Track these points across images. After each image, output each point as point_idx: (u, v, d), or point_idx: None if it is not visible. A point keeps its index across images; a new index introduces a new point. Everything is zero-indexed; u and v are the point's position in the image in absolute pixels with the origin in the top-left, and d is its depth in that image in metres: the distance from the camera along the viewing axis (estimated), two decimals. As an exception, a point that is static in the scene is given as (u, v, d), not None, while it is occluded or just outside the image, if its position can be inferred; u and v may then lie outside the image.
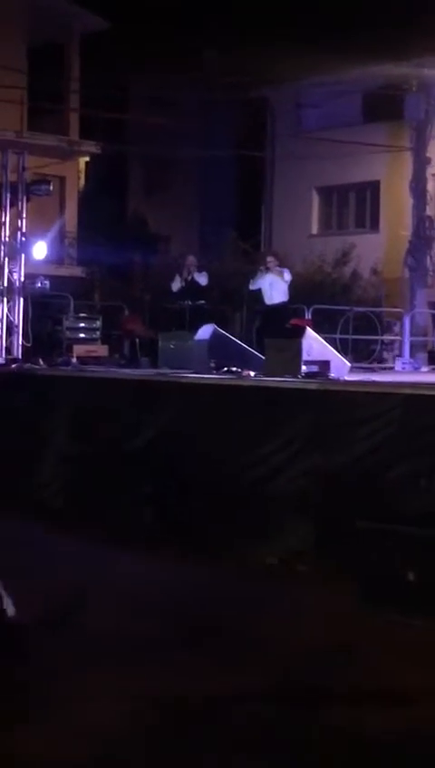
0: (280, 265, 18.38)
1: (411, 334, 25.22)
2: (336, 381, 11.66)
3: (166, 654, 6.83)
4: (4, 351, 17.14)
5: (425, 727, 5.69)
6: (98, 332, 19.59)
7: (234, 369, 13.53)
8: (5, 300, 17.42)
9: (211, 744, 5.35)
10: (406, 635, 7.30)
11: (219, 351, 14.68)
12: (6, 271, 17.44)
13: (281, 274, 17.87)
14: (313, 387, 10.36)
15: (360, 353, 23.65)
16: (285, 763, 5.18)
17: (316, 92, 32.76)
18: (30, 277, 17.90)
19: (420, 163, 29.93)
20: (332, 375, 12.62)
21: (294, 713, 5.83)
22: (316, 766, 5.17)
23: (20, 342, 17.44)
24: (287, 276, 17.97)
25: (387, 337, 26.81)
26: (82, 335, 19.34)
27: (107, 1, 30.81)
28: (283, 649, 7.00)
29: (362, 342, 25.02)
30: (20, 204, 17.47)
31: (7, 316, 17.38)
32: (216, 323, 16.31)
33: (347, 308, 24.60)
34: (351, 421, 9.23)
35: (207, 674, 6.43)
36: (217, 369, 13.93)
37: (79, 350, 18.34)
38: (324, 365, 12.93)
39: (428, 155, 29.87)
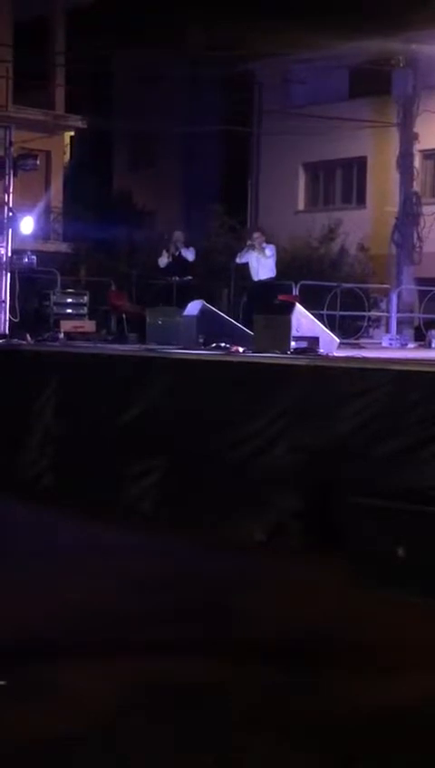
0: (266, 241, 18.38)
1: (398, 310, 25.27)
2: (326, 357, 11.66)
3: (158, 631, 6.83)
4: (-9, 327, 17.13)
5: (417, 700, 5.71)
6: (85, 308, 19.53)
7: (222, 344, 13.52)
8: (-8, 275, 17.39)
9: (209, 721, 5.35)
10: (395, 610, 7.31)
11: (208, 327, 14.67)
12: (-7, 246, 17.40)
13: (263, 251, 17.86)
14: (302, 363, 10.35)
15: (346, 329, 23.67)
16: (283, 739, 5.18)
17: (303, 68, 32.71)
18: (17, 252, 17.84)
19: (407, 139, 29.92)
20: (321, 351, 12.62)
21: (287, 688, 5.84)
22: (314, 741, 5.17)
23: (7, 318, 17.41)
24: (269, 252, 17.97)
25: (374, 313, 26.85)
26: (69, 311, 19.28)
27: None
28: (272, 626, 7.01)
29: (349, 318, 25.04)
30: (7, 178, 17.41)
31: (-6, 291, 17.35)
32: (203, 299, 16.29)
33: (334, 284, 24.58)
34: (341, 397, 9.23)
35: (200, 650, 6.44)
36: (206, 344, 13.92)
37: (66, 325, 18.28)
38: (313, 341, 12.92)
39: (415, 131, 29.85)
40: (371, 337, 25.29)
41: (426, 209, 29.95)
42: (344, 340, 19.01)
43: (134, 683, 5.82)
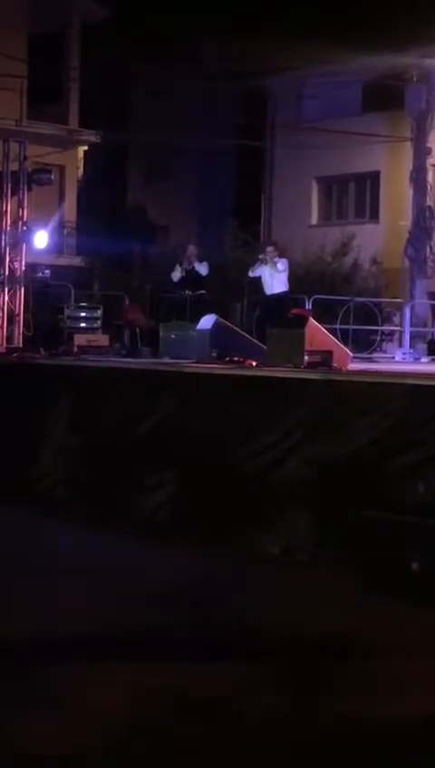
0: (279, 255, 18.38)
1: (411, 325, 25.27)
2: (339, 371, 11.66)
3: (167, 644, 6.83)
4: (4, 341, 17.15)
5: (429, 715, 5.70)
6: (99, 322, 19.59)
7: (236, 358, 13.53)
8: (7, 289, 17.43)
9: (214, 735, 5.35)
10: (409, 625, 7.29)
11: (221, 341, 14.69)
12: (8, 260, 17.45)
13: (275, 266, 17.86)
14: (316, 377, 10.35)
15: (360, 343, 23.67)
16: (288, 753, 5.18)
17: (316, 82, 32.75)
18: (31, 266, 17.91)
19: (421, 153, 29.95)
20: (334, 365, 12.63)
21: (297, 702, 5.84)
22: (319, 756, 5.17)
23: (21, 332, 17.47)
24: (281, 266, 17.96)
25: (387, 327, 26.85)
26: (82, 324, 19.34)
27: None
28: (285, 639, 7.01)
29: (362, 333, 25.04)
30: (21, 193, 17.49)
31: (8, 305, 17.40)
32: (216, 313, 16.31)
33: (347, 298, 24.60)
34: (354, 411, 9.22)
35: (209, 664, 6.44)
36: (219, 358, 13.93)
37: (80, 339, 18.33)
38: (327, 355, 12.93)
39: (428, 145, 29.89)
40: (384, 351, 25.31)
41: (439, 224, 29.98)
42: (357, 355, 19.02)
43: (140, 694, 5.82)
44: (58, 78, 31.38)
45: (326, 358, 12.90)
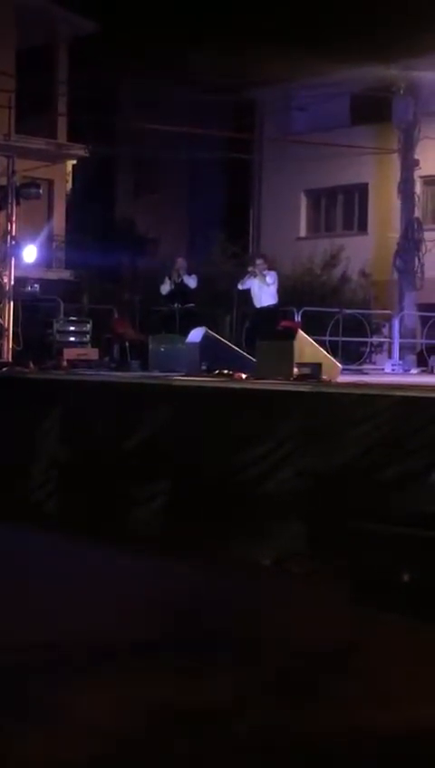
0: (269, 268, 18.41)
1: (400, 336, 25.31)
2: (329, 383, 11.67)
3: (162, 656, 6.82)
4: (-6, 355, 17.15)
5: (421, 728, 5.69)
6: (88, 336, 19.59)
7: (226, 371, 13.53)
8: (-4, 303, 17.44)
9: (209, 747, 5.34)
10: (400, 636, 7.29)
11: (211, 354, 14.69)
12: (-3, 274, 17.47)
13: (264, 278, 17.89)
14: (305, 389, 10.36)
15: (349, 355, 23.70)
16: (287, 765, 5.17)
17: (304, 95, 32.86)
18: (20, 281, 17.90)
19: (408, 165, 30.04)
20: (324, 377, 12.63)
21: (290, 715, 5.83)
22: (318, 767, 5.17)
23: (10, 346, 17.44)
24: (270, 279, 17.99)
25: (376, 339, 26.88)
26: (72, 338, 19.34)
27: (95, 4, 30.86)
28: (277, 651, 6.99)
29: (352, 344, 25.07)
30: (10, 207, 17.49)
31: (-3, 320, 17.40)
32: (206, 326, 16.32)
33: (337, 310, 24.63)
34: (344, 423, 9.24)
35: (203, 676, 6.43)
36: (209, 371, 13.93)
37: (69, 353, 18.32)
38: (316, 367, 12.93)
39: (416, 157, 29.98)
40: (373, 363, 25.35)
41: (427, 235, 30.04)
42: (347, 366, 19.02)
43: (133, 707, 5.81)
44: (46, 92, 31.43)
45: (316, 370, 12.89)
